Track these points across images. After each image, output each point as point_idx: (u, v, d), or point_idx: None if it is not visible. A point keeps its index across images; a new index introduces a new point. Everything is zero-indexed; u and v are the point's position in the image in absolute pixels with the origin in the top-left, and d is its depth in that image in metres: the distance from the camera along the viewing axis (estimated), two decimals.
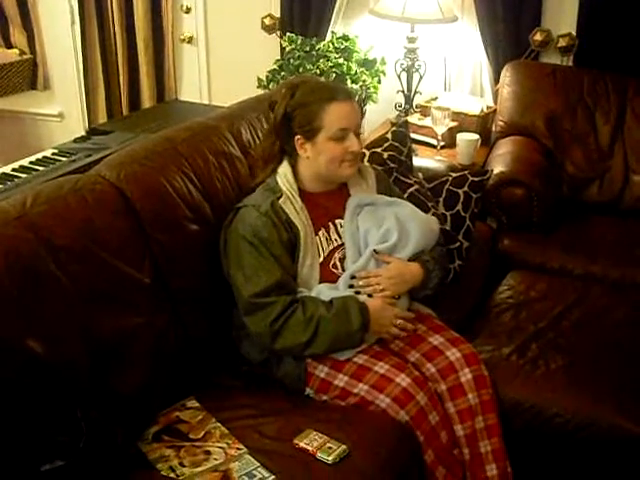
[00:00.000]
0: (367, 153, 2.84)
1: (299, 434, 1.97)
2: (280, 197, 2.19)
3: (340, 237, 2.27)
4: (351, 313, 2.10)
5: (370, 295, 2.18)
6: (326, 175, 2.25)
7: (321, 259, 2.22)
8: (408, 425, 2.03)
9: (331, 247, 2.25)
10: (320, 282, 2.20)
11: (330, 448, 1.93)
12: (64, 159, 2.95)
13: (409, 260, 2.26)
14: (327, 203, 2.29)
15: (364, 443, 1.97)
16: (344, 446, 1.93)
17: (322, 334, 2.08)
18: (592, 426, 2.18)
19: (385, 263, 2.23)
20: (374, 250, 2.22)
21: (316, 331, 2.08)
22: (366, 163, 2.56)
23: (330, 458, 1.90)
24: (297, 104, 2.19)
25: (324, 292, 2.16)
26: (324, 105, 2.16)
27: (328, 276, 2.22)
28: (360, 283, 2.18)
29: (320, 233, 2.24)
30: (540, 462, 2.28)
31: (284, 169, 2.26)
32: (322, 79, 2.23)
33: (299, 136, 2.20)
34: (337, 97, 2.17)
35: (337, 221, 2.29)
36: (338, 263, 2.25)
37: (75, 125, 4.71)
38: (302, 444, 1.94)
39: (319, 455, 1.91)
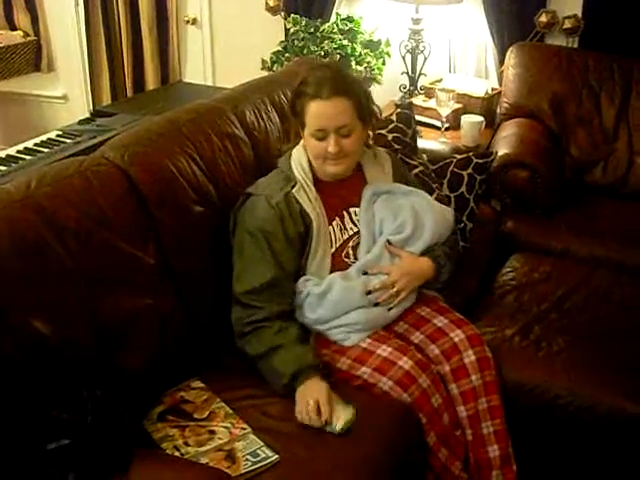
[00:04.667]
0: (371, 135, 2.83)
1: None
2: (294, 186, 2.19)
3: (355, 225, 2.27)
4: (283, 375, 2.04)
5: (390, 308, 2.18)
6: (315, 167, 2.24)
7: (333, 249, 2.22)
8: (411, 407, 2.04)
9: (345, 236, 2.25)
10: (331, 271, 2.20)
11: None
12: (68, 141, 2.95)
13: (421, 253, 2.25)
14: (342, 191, 2.28)
15: (367, 424, 1.98)
16: (347, 414, 1.95)
17: (266, 360, 2.08)
18: (594, 407, 2.20)
19: (397, 256, 2.23)
20: (387, 241, 2.22)
21: (263, 355, 2.08)
22: (381, 149, 2.53)
23: (337, 427, 1.93)
24: (297, 92, 2.20)
25: (337, 282, 2.15)
26: (308, 102, 2.14)
27: (340, 265, 2.22)
28: (377, 287, 2.16)
29: (334, 223, 2.24)
30: (542, 443, 2.29)
31: (298, 154, 2.25)
32: (328, 70, 2.18)
33: (299, 124, 2.22)
34: (320, 95, 2.12)
35: (352, 209, 2.28)
36: (350, 252, 2.24)
37: (79, 107, 4.71)
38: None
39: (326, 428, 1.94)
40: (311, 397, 1.97)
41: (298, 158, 2.25)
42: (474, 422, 2.16)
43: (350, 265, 2.22)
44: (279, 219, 2.14)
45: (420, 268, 2.23)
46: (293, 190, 2.18)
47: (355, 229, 2.26)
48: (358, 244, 2.25)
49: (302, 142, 2.26)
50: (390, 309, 2.20)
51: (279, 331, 2.09)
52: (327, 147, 2.15)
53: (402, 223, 2.25)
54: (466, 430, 2.17)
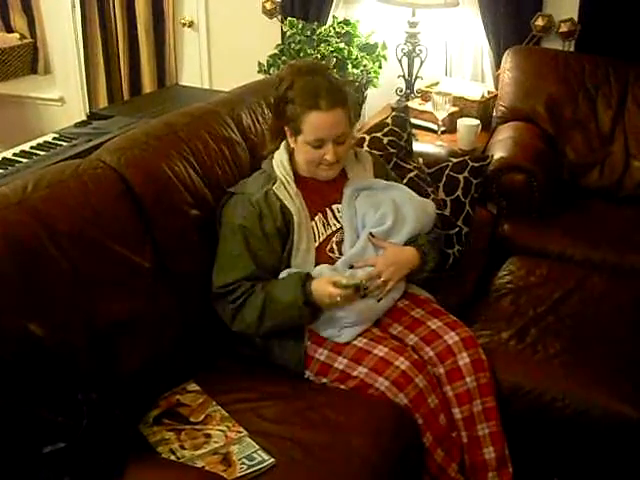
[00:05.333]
0: (367, 138, 2.84)
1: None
2: (275, 183, 2.22)
3: (338, 222, 2.28)
4: (290, 285, 2.12)
5: (379, 300, 2.21)
6: (305, 170, 2.27)
7: (317, 244, 2.24)
8: (407, 408, 2.05)
9: (329, 232, 2.27)
10: (316, 265, 2.21)
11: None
12: (65, 144, 2.95)
13: (405, 244, 2.27)
14: (324, 188, 2.30)
15: (364, 426, 1.98)
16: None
17: (269, 305, 2.11)
18: (590, 410, 2.20)
19: (381, 248, 2.25)
20: (370, 233, 2.24)
21: (264, 304, 2.12)
22: (365, 147, 2.56)
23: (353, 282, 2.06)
24: (288, 98, 2.20)
25: (325, 273, 2.17)
26: (305, 111, 2.15)
27: (324, 260, 2.23)
28: (362, 275, 2.17)
29: (316, 218, 2.26)
30: (538, 446, 2.29)
31: (280, 154, 2.29)
32: (319, 77, 2.18)
33: (287, 127, 2.23)
34: (319, 106, 2.14)
35: (334, 206, 2.30)
36: (335, 247, 2.26)
37: (76, 109, 4.71)
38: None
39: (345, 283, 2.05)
40: (326, 282, 2.07)
41: (279, 156, 2.28)
42: (469, 424, 2.17)
43: (335, 260, 2.24)
44: (257, 216, 2.17)
45: (405, 257, 2.25)
46: (273, 187, 2.21)
47: (338, 225, 2.28)
48: (342, 240, 2.27)
49: (284, 143, 2.29)
50: (379, 300, 2.21)
51: (262, 287, 2.14)
52: (324, 155, 2.19)
53: (383, 215, 2.27)
54: (461, 432, 2.17)
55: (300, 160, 2.26)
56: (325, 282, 2.09)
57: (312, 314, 2.13)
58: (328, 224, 2.28)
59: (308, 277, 2.12)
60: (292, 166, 2.27)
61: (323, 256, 2.24)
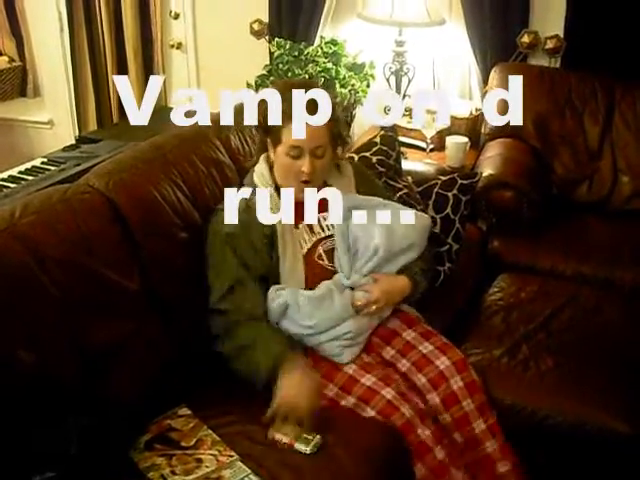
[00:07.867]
0: (356, 157, 2.85)
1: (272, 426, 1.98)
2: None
3: (323, 230, 2.29)
4: (269, 354, 2.06)
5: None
6: (283, 187, 2.26)
7: (304, 250, 2.25)
8: (397, 432, 2.03)
9: (314, 239, 2.28)
10: (305, 272, 2.23)
11: (306, 439, 1.93)
12: (53, 168, 2.95)
13: (398, 269, 2.30)
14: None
15: (355, 448, 1.97)
16: (318, 435, 1.95)
17: (245, 352, 2.09)
18: (584, 427, 2.20)
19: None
20: (365, 272, 2.25)
21: (243, 346, 2.10)
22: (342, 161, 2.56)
23: (308, 448, 1.91)
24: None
25: (336, 293, 2.18)
26: (287, 119, 2.15)
27: (313, 266, 2.25)
28: (360, 304, 2.20)
29: (301, 226, 2.27)
30: (533, 464, 2.28)
31: (260, 166, 2.31)
32: (306, 92, 2.18)
33: (269, 139, 2.24)
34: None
35: (319, 215, 2.30)
36: (323, 254, 2.27)
37: (65, 132, 4.71)
38: (278, 436, 1.95)
39: (297, 446, 1.92)
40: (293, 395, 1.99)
41: (259, 168, 2.31)
42: (475, 444, 2.16)
43: (326, 267, 2.26)
44: (242, 226, 2.18)
45: (399, 287, 2.29)
46: (254, 198, 2.22)
47: (323, 234, 2.29)
48: (331, 249, 2.28)
49: (264, 155, 2.31)
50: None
51: (251, 326, 2.12)
52: (301, 166, 2.18)
53: (377, 247, 2.26)
54: (469, 453, 2.15)
55: (278, 174, 2.26)
56: (293, 394, 2.00)
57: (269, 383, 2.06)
58: (313, 232, 2.28)
59: (288, 360, 2.05)
60: (272, 177, 2.28)
61: (312, 263, 2.25)
